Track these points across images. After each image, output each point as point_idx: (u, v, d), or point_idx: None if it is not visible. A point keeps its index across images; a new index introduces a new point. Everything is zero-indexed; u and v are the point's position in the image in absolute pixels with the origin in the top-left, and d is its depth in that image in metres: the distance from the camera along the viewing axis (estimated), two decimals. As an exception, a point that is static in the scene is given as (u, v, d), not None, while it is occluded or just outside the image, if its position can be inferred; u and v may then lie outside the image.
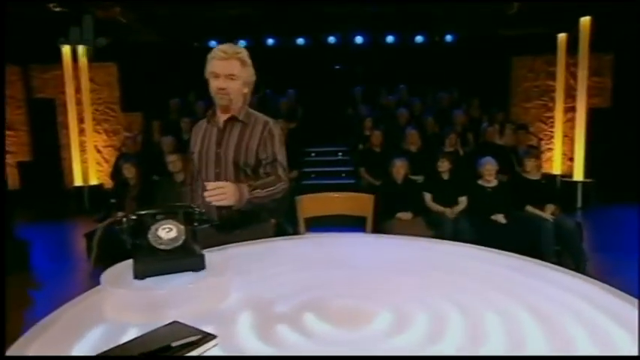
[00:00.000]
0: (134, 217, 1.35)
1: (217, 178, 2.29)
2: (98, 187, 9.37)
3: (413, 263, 1.58)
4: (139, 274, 1.29)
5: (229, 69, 2.22)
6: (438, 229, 5.15)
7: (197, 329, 1.08)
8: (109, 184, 8.72)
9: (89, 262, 1.31)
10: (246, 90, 2.34)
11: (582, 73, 8.44)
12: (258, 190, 2.15)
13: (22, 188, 9.08)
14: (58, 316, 1.22)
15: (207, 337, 1.05)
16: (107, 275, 1.30)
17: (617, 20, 8.20)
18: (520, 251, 1.69)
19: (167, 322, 1.12)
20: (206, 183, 2.02)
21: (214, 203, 1.98)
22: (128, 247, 1.37)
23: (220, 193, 1.96)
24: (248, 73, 2.31)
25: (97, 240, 1.43)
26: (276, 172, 2.30)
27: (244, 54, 2.27)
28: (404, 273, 1.48)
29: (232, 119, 2.35)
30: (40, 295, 4.24)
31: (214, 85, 2.26)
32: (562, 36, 9.06)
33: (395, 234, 4.67)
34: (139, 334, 1.07)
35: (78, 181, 9.39)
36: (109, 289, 1.24)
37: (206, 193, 1.95)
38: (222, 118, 2.36)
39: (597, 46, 8.45)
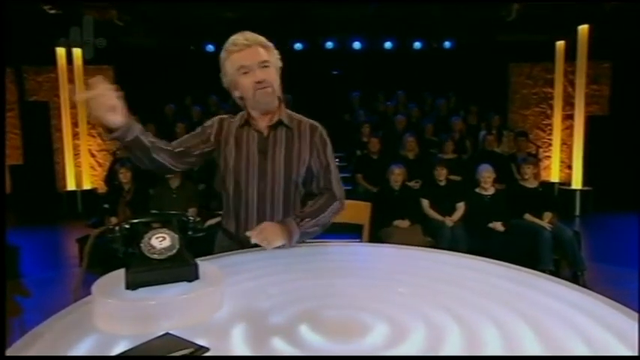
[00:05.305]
0: (127, 226, 1.30)
1: (261, 195, 1.97)
2: (91, 192, 9.31)
3: (408, 273, 1.54)
4: (131, 284, 1.24)
5: (259, 55, 1.84)
6: (436, 236, 5.12)
7: (189, 342, 1.04)
8: (102, 188, 8.67)
9: (81, 269, 1.27)
10: (279, 80, 1.95)
11: (580, 81, 8.50)
12: (307, 220, 1.88)
13: (14, 192, 8.99)
14: (46, 326, 1.16)
15: (200, 349, 1.01)
16: (98, 285, 1.25)
17: (615, 28, 8.24)
18: (518, 259, 1.66)
19: (159, 334, 1.08)
20: (247, 233, 1.77)
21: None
22: (120, 257, 1.31)
23: (263, 239, 1.73)
24: (276, 57, 1.93)
25: (88, 249, 1.36)
26: (330, 188, 2.03)
27: (262, 38, 1.89)
28: (399, 283, 1.44)
29: (277, 124, 1.98)
30: (30, 303, 4.16)
31: (248, 81, 1.85)
32: (560, 43, 9.10)
33: (392, 242, 4.68)
34: (130, 347, 1.03)
35: (71, 186, 9.36)
36: (100, 300, 1.19)
37: (251, 237, 1.74)
38: (264, 122, 1.97)
39: (595, 53, 8.52)
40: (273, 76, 1.88)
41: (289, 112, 2.04)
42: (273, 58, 1.90)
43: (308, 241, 2.00)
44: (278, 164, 1.95)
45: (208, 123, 2.04)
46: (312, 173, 2.03)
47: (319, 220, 1.94)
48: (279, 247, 1.80)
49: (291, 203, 2.01)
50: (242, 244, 1.91)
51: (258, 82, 1.84)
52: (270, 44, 1.90)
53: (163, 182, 5.50)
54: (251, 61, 1.83)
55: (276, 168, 1.95)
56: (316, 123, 2.07)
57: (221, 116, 2.06)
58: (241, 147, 1.96)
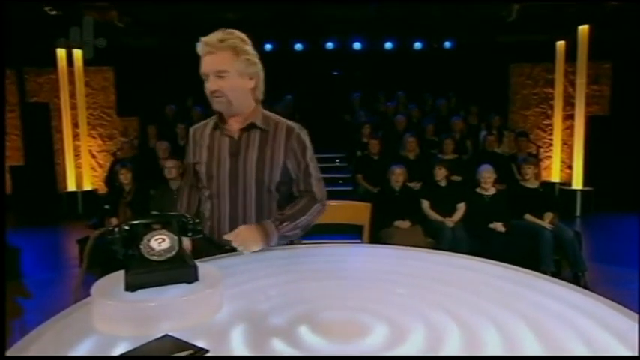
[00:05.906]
0: (126, 228, 1.30)
1: (233, 199, 1.93)
2: (92, 193, 9.31)
3: (407, 274, 1.54)
4: (130, 286, 1.24)
5: (217, 64, 1.79)
6: (437, 237, 5.12)
7: (188, 343, 1.04)
8: (103, 189, 8.66)
9: (81, 270, 1.27)
10: (251, 85, 1.89)
11: (580, 81, 8.48)
12: (286, 224, 1.87)
13: (14, 193, 9.00)
14: (46, 328, 1.17)
15: (199, 351, 1.01)
16: (98, 286, 1.26)
17: (615, 28, 8.23)
18: (519, 260, 1.67)
19: (158, 336, 1.08)
20: (224, 236, 1.81)
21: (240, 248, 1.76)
22: (120, 258, 1.32)
23: (240, 242, 1.75)
24: (244, 63, 1.84)
25: (88, 250, 1.37)
26: (311, 191, 1.98)
27: (236, 39, 1.81)
28: (398, 284, 1.45)
29: (250, 127, 1.94)
30: (31, 304, 4.17)
31: (206, 87, 1.86)
32: (560, 44, 9.09)
33: (393, 242, 4.68)
34: (129, 348, 1.04)
35: (71, 187, 9.33)
36: (100, 301, 1.19)
37: (231, 241, 1.77)
38: (235, 125, 1.94)
39: (595, 54, 8.50)
40: (230, 84, 1.83)
41: (267, 113, 2.00)
42: (240, 64, 1.83)
43: (309, 242, 2.00)
44: (249, 167, 1.91)
45: (187, 140, 2.16)
46: (291, 176, 1.98)
47: (299, 222, 1.93)
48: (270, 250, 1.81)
49: (264, 208, 1.96)
50: (219, 247, 1.90)
51: (211, 92, 1.85)
52: (245, 47, 1.84)
53: (164, 183, 5.49)
54: (207, 70, 1.82)
55: (247, 171, 1.91)
56: (293, 124, 2.00)
57: (193, 127, 2.11)
58: (213, 150, 1.96)
